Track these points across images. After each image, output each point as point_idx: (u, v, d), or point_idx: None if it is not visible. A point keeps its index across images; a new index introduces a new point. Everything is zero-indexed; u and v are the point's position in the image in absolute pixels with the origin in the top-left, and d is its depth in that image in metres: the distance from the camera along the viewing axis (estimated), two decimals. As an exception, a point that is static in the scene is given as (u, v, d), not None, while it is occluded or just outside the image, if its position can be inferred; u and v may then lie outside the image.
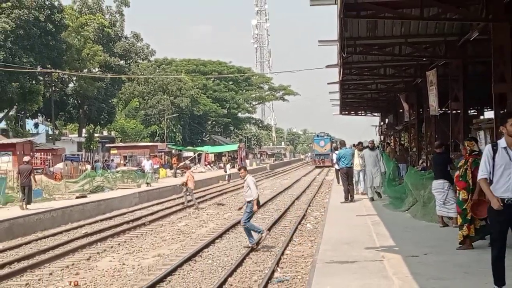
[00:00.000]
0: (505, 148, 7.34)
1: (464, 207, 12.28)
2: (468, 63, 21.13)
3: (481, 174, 7.80)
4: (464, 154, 12.96)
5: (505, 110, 14.32)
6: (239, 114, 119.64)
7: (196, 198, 34.67)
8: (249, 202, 17.68)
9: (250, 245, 17.60)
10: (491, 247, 7.76)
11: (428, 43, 22.46)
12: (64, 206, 28.02)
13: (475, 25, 17.29)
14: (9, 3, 57.96)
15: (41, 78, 62.56)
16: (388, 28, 20.49)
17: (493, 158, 7.52)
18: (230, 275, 14.16)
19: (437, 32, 20.68)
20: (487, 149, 7.78)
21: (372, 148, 25.32)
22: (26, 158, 33.80)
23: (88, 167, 48.31)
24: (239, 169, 18.91)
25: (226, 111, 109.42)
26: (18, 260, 17.10)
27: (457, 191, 13.03)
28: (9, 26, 56.95)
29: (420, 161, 29.89)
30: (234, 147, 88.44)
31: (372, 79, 33.13)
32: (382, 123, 60.62)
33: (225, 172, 60.21)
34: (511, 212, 7.36)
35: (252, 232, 17.72)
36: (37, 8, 60.66)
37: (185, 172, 33.62)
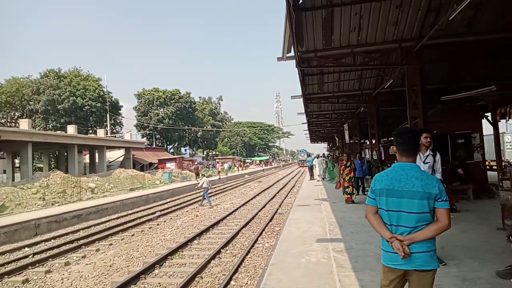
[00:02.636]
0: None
1: (352, 181, 11.38)
2: (360, 121, 20.72)
3: None
4: (346, 159, 11.82)
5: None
6: (269, 144, 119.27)
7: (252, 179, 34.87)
8: (203, 188, 16.58)
9: (210, 206, 16.38)
10: None
11: (344, 113, 21.50)
12: (194, 183, 27.49)
13: (361, 104, 16.60)
14: (173, 101, 61.37)
15: (187, 131, 64.62)
16: (326, 107, 19.66)
17: None
18: (259, 211, 14.23)
19: (345, 108, 19.63)
20: None
21: (317, 157, 24.72)
22: (195, 165, 36.85)
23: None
24: (197, 175, 16.91)
25: (263, 143, 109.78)
26: (174, 206, 16.94)
27: (347, 175, 11.34)
28: (173, 110, 61.24)
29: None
30: (267, 157, 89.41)
31: (322, 128, 31.64)
32: (328, 146, 59.98)
33: (262, 167, 60.92)
34: None
35: (207, 200, 16.59)
36: (184, 102, 64.21)
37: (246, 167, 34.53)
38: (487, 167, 12.67)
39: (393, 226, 2.44)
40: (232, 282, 6.16)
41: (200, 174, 33.07)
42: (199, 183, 17.64)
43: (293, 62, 9.32)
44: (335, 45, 9.11)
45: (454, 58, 9.94)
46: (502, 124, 12.55)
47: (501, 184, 6.78)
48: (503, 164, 10.24)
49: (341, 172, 11.69)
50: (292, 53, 8.55)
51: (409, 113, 9.09)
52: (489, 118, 10.45)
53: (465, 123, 11.12)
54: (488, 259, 4.80)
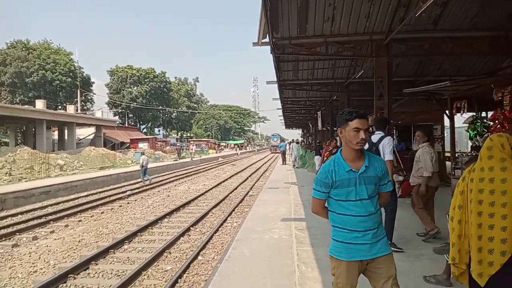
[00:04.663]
0: None
1: None
2: (333, 109, 20.90)
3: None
4: (331, 145, 9.81)
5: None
6: (245, 128, 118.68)
7: (226, 162, 34.80)
8: (142, 167, 17.38)
9: (149, 182, 17.35)
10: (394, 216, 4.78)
11: (318, 100, 21.79)
12: (167, 164, 27.79)
13: (334, 93, 16.79)
14: (148, 80, 58.93)
15: (161, 111, 63.05)
16: (300, 94, 19.74)
17: None
18: (231, 192, 14.37)
19: (319, 96, 19.70)
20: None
21: (296, 142, 25.16)
22: (178, 145, 37.27)
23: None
24: (179, 155, 18.04)
25: (239, 127, 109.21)
26: (146, 186, 16.82)
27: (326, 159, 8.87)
28: (147, 89, 59.14)
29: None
30: (242, 141, 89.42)
31: (296, 114, 31.68)
32: (302, 132, 60.62)
33: (236, 151, 60.28)
34: None
35: (147, 177, 17.53)
36: (159, 82, 62.03)
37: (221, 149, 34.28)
38: (446, 157, 13.50)
39: None
40: (200, 257, 6.44)
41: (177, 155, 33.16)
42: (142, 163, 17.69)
43: (269, 48, 9.51)
44: (309, 34, 9.33)
45: (421, 53, 10.42)
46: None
47: (453, 173, 7.36)
48: (456, 154, 10.96)
49: (325, 158, 9.89)
50: (267, 39, 8.73)
51: (376, 103, 9.52)
52: (447, 112, 11.11)
53: (429, 115, 11.77)
54: (433, 240, 5.30)
